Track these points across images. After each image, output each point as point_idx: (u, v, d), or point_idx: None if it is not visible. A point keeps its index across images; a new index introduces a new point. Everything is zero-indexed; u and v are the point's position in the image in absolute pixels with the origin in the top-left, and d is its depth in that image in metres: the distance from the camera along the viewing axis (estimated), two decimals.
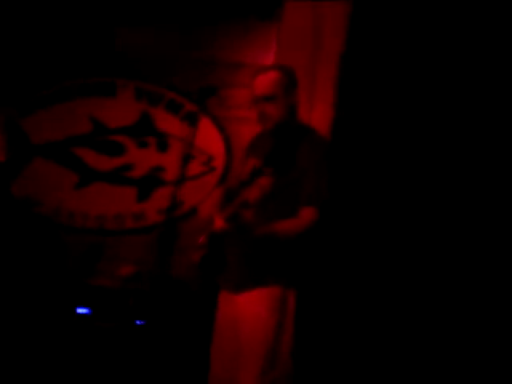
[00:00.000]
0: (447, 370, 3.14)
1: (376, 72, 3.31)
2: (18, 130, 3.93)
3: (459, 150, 3.25)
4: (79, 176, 3.95)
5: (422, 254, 3.27)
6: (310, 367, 3.14)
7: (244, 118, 3.77)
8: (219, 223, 2.30)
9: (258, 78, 2.46)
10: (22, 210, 3.84)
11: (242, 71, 3.79)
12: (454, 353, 3.15)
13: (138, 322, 3.18)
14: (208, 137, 3.91)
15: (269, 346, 2.33)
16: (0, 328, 3.24)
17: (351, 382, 3.24)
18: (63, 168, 3.95)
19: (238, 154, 3.80)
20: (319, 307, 3.26)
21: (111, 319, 3.28)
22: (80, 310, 3.41)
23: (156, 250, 2.25)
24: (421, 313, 3.23)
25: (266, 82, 2.43)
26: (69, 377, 3.21)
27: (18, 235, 3.67)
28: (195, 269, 2.37)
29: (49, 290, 3.49)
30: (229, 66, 3.81)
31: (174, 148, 3.88)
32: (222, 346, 2.48)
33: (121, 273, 3.45)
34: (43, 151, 3.96)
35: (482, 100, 3.24)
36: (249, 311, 2.38)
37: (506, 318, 3.09)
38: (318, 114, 3.35)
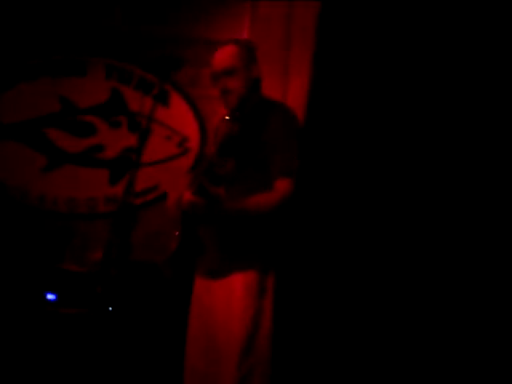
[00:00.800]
0: (437, 364, 3.12)
1: (352, 44, 3.24)
2: None
3: (436, 127, 3.21)
4: (48, 158, 3.82)
5: (399, 229, 3.23)
6: (290, 352, 3.07)
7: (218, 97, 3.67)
8: (187, 196, 2.24)
9: (215, 54, 2.44)
10: None
11: (215, 48, 3.66)
12: (443, 347, 3.13)
13: (108, 309, 3.09)
14: (181, 117, 3.82)
15: (247, 332, 2.27)
16: None
17: (333, 366, 3.19)
18: (31, 149, 3.81)
19: (212, 134, 3.71)
20: (299, 289, 3.21)
21: (79, 305, 3.19)
22: (49, 296, 3.30)
23: (119, 235, 2.15)
24: (403, 288, 3.20)
25: (224, 55, 2.42)
26: (38, 364, 3.13)
27: None
28: (169, 254, 2.30)
29: (17, 275, 3.38)
30: (202, 43, 3.67)
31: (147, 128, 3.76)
32: (198, 333, 2.42)
33: (90, 258, 3.35)
34: (11, 132, 3.81)
35: (461, 84, 3.20)
36: (225, 296, 2.32)
37: (506, 318, 3.05)
38: (293, 89, 3.29)
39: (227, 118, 2.37)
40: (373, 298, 3.23)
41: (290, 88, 3.31)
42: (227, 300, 2.32)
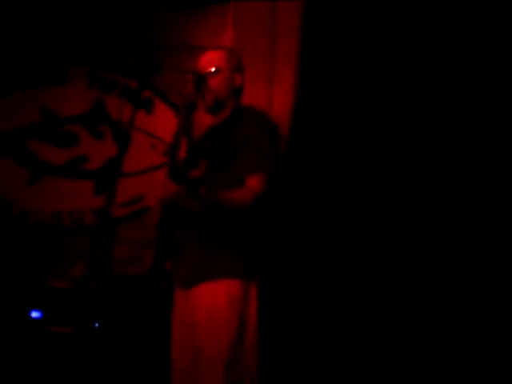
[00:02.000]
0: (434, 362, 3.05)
1: (338, 45, 3.18)
2: None
3: (427, 132, 3.15)
4: (30, 171, 3.73)
5: (387, 232, 3.16)
6: (277, 360, 2.99)
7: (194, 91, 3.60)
8: (162, 180, 2.25)
9: (203, 56, 2.46)
10: None
11: (197, 54, 3.59)
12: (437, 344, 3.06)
13: (95, 325, 3.01)
14: (166, 124, 3.72)
15: (231, 343, 2.21)
16: None
17: (320, 373, 3.11)
18: (13, 162, 3.72)
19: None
20: (284, 295, 3.12)
21: (65, 323, 3.10)
22: (34, 314, 3.21)
23: (101, 249, 2.08)
24: (391, 294, 3.12)
25: (210, 57, 2.45)
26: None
27: None
28: (152, 268, 2.24)
29: (1, 291, 3.29)
30: (183, 49, 3.61)
31: (131, 137, 3.69)
32: (182, 349, 2.34)
33: (74, 273, 3.26)
34: None
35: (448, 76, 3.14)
36: (207, 306, 2.25)
37: (506, 318, 2.99)
38: (279, 95, 3.23)
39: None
40: (361, 300, 3.15)
41: (274, 94, 3.26)
42: (208, 314, 2.25)
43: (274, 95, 3.24)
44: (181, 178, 2.22)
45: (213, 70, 2.39)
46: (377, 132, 3.19)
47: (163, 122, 3.73)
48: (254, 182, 2.27)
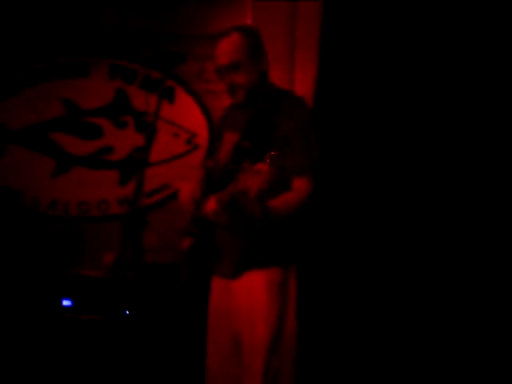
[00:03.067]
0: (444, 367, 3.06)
1: (359, 33, 3.16)
2: None
3: (440, 122, 3.14)
4: (56, 162, 3.78)
5: (403, 225, 3.16)
6: (314, 350, 3.00)
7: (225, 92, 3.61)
8: (213, 207, 2.11)
9: (219, 46, 2.27)
10: (2, 200, 3.69)
11: (218, 39, 3.60)
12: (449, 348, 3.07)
13: (125, 313, 3.05)
14: (188, 113, 3.76)
15: (272, 332, 2.20)
16: None
17: (357, 364, 3.12)
18: (39, 154, 3.77)
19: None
20: (322, 287, 3.12)
21: (95, 311, 3.15)
22: (65, 302, 3.27)
23: (131, 237, 2.10)
24: (421, 295, 3.12)
25: (228, 48, 2.24)
26: (55, 371, 3.10)
27: None
28: (183, 256, 2.23)
29: (32, 282, 3.35)
30: (205, 38, 3.60)
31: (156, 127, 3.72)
32: (218, 335, 2.35)
33: (103, 261, 3.31)
34: (18, 138, 3.77)
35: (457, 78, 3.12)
36: (246, 297, 2.23)
37: (506, 318, 2.98)
38: (300, 80, 3.21)
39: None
40: (391, 292, 3.15)
41: (296, 79, 3.22)
42: (248, 301, 2.23)
43: (295, 81, 3.21)
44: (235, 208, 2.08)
45: (234, 64, 2.21)
46: (396, 124, 3.18)
47: (185, 110, 3.75)
48: (302, 184, 2.19)
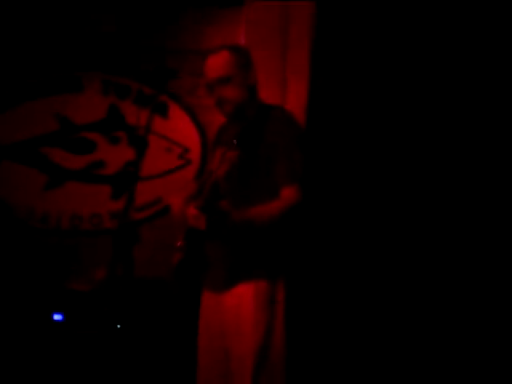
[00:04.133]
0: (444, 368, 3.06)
1: (350, 45, 3.19)
2: None
3: (436, 129, 3.17)
4: (49, 176, 3.78)
5: (405, 233, 3.18)
6: (304, 362, 3.02)
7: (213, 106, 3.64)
8: (192, 212, 2.16)
9: (208, 61, 2.32)
10: None
11: (206, 56, 3.63)
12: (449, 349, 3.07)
13: (117, 327, 3.05)
14: (181, 128, 3.79)
15: (259, 346, 2.20)
16: None
17: (348, 377, 3.13)
18: (32, 169, 3.78)
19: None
20: (311, 298, 3.15)
21: (87, 325, 3.15)
22: (56, 317, 3.27)
23: (122, 251, 2.11)
24: (412, 293, 3.15)
25: (217, 63, 2.30)
26: None
27: None
28: (173, 272, 2.25)
29: (23, 295, 3.34)
30: (198, 53, 3.62)
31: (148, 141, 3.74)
32: (209, 347, 2.34)
33: (95, 276, 3.31)
34: (10, 153, 3.78)
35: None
36: (235, 309, 2.25)
37: (506, 318, 3.00)
38: (292, 95, 3.24)
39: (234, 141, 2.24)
40: (384, 303, 3.17)
41: (288, 94, 3.25)
42: (237, 312, 2.25)
43: (287, 97, 3.24)
44: (211, 209, 2.13)
45: (223, 79, 2.26)
46: (389, 132, 3.21)
47: (178, 125, 3.78)
48: (288, 193, 2.20)
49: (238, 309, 2.24)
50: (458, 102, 3.16)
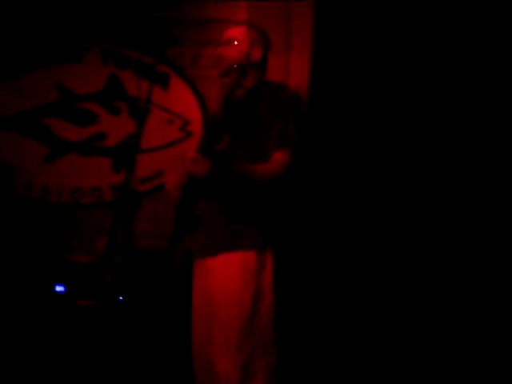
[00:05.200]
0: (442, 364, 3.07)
1: (354, 22, 3.16)
2: None
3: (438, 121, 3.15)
4: (50, 148, 3.75)
5: (399, 218, 3.17)
6: (294, 334, 3.02)
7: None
8: (191, 155, 2.20)
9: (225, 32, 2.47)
10: None
11: (213, 27, 3.56)
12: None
13: (119, 298, 3.05)
14: (183, 100, 3.73)
15: (246, 312, 2.22)
16: None
17: (337, 348, 3.14)
18: (32, 140, 3.75)
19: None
20: (300, 267, 3.14)
21: (88, 296, 3.15)
22: (58, 288, 3.27)
23: (122, 222, 2.10)
24: (399, 277, 3.13)
25: (230, 30, 2.47)
26: (49, 358, 3.10)
27: None
28: (167, 241, 2.26)
29: (24, 268, 3.35)
30: (199, 23, 3.60)
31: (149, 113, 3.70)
32: (200, 316, 2.36)
33: (96, 247, 3.30)
34: (11, 123, 3.75)
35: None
36: (222, 277, 2.26)
37: (506, 318, 3.00)
38: (295, 69, 3.21)
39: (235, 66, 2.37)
40: (371, 278, 3.17)
41: (291, 67, 3.23)
42: (225, 279, 2.26)
43: (290, 69, 3.22)
44: (209, 154, 2.18)
45: (227, 39, 2.42)
46: (391, 114, 3.18)
47: (179, 96, 3.73)
48: (280, 156, 2.26)
49: (224, 277, 2.26)
50: (461, 98, 3.13)
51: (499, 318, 3.03)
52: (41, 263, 3.38)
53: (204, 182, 2.20)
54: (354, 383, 3.08)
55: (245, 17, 3.40)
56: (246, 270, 2.24)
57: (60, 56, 3.76)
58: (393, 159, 3.21)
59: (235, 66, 2.34)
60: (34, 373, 3.09)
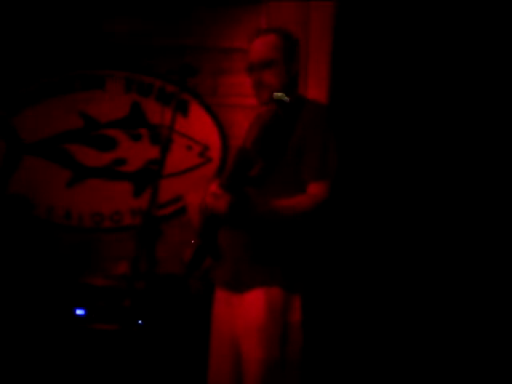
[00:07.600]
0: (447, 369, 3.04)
1: (370, 42, 3.19)
2: (8, 129, 3.81)
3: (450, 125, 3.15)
4: (72, 173, 3.83)
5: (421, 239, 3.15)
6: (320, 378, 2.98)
7: (238, 106, 3.66)
8: (212, 189, 2.01)
9: (254, 42, 2.22)
10: (16, 211, 3.74)
11: (232, 56, 3.67)
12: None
13: (138, 322, 3.07)
14: (202, 126, 3.80)
15: (271, 359, 2.04)
16: None
17: None
18: (55, 165, 3.83)
19: (233, 143, 3.68)
20: (329, 314, 3.08)
21: (108, 320, 3.18)
22: (78, 312, 3.30)
23: (144, 248, 2.12)
24: (425, 310, 3.11)
25: (263, 45, 2.19)
26: (68, 382, 3.12)
27: (13, 237, 3.58)
28: (185, 268, 2.19)
29: (45, 291, 3.38)
30: (219, 51, 3.68)
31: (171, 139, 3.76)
32: (219, 349, 2.21)
33: (116, 271, 3.34)
34: (34, 150, 3.83)
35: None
36: (244, 315, 2.11)
37: (506, 318, 2.98)
38: (313, 92, 3.23)
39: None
40: (402, 315, 3.13)
41: (308, 91, 3.26)
42: (245, 318, 2.10)
43: (307, 93, 3.24)
44: (233, 187, 2.00)
45: (266, 62, 2.16)
46: (408, 129, 3.19)
47: (199, 123, 3.80)
48: (314, 189, 2.07)
49: (246, 312, 2.10)
50: (462, 100, 3.14)
51: (499, 318, 3.00)
52: (61, 287, 3.41)
53: (225, 219, 2.02)
54: None
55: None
56: (270, 311, 2.05)
57: (83, 83, 3.86)
58: (411, 179, 3.20)
59: (286, 98, 2.08)
60: None
